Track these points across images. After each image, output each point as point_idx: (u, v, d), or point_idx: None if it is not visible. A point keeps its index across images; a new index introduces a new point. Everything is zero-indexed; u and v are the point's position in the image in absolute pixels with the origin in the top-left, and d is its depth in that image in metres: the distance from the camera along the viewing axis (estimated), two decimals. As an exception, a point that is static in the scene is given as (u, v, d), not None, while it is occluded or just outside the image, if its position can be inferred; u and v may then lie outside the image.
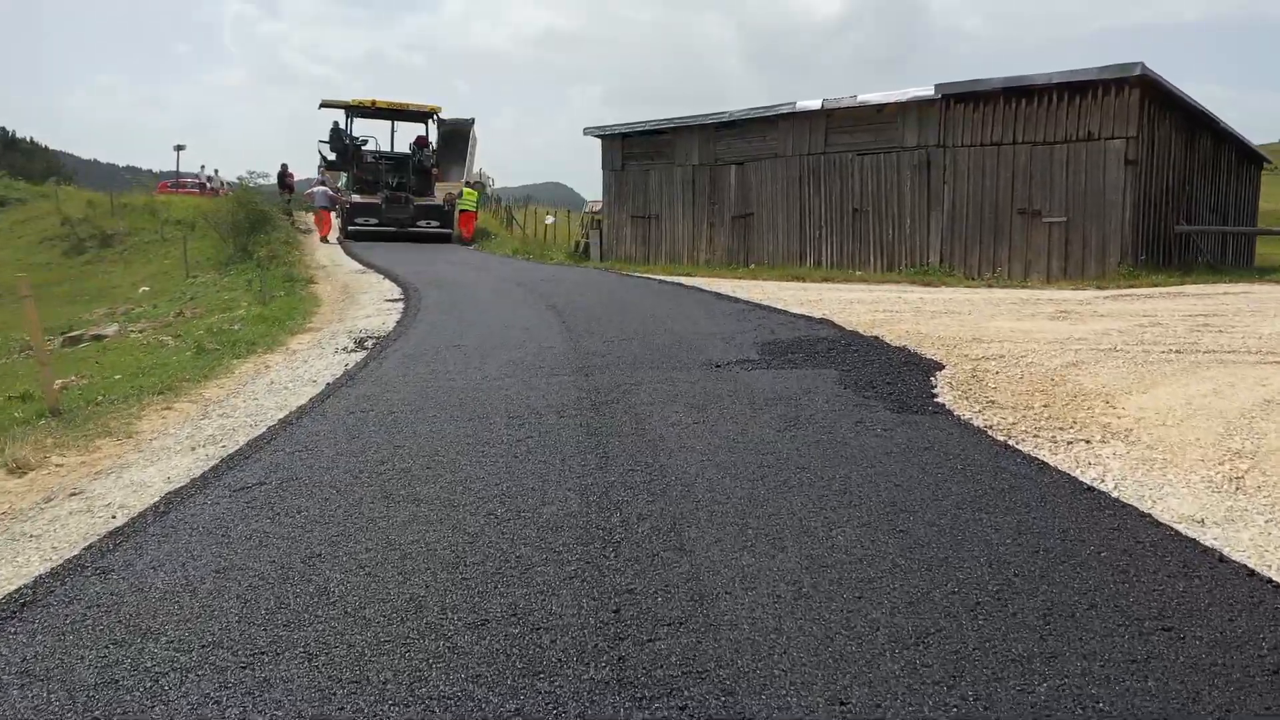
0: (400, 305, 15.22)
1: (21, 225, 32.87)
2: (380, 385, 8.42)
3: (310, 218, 32.00)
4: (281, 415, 7.53)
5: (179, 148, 42.70)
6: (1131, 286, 16.52)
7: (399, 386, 8.33)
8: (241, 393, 8.89)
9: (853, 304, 14.48)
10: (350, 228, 30.88)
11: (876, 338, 10.20)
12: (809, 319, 12.06)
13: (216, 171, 32.79)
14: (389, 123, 34.55)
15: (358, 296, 17.49)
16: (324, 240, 30.84)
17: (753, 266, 22.72)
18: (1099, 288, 16.67)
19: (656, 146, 25.15)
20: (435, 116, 33.33)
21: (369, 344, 11.32)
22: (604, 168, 26.46)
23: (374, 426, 6.94)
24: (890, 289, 17.56)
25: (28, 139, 75.21)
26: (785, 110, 21.97)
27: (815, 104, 21.53)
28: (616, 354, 9.51)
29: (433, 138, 33.48)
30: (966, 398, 7.25)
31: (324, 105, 32.72)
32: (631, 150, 25.73)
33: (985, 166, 19.16)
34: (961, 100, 19.37)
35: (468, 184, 34.90)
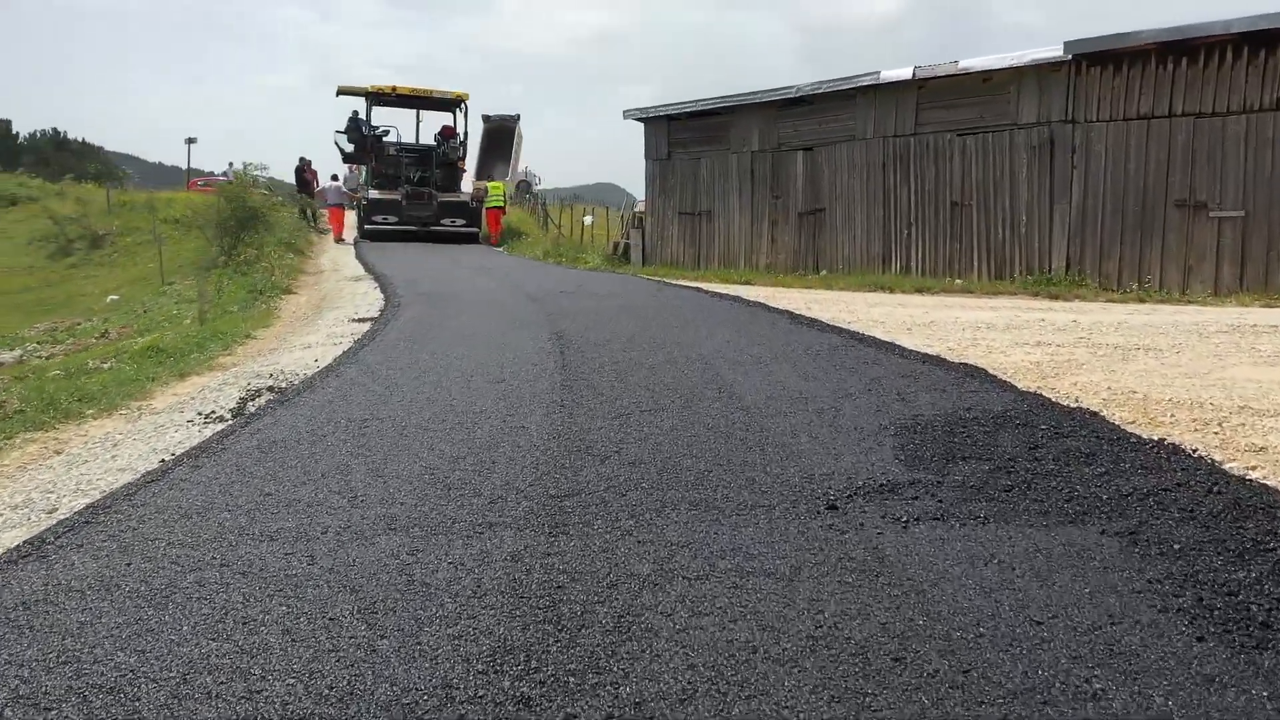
0: (364, 328, 10.98)
1: (18, 225, 29.38)
2: (139, 538, 4.05)
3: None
4: None
5: (190, 141, 39.42)
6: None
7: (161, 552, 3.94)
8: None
9: (983, 331, 9.90)
10: (367, 226, 26.83)
11: (1091, 412, 5.66)
12: (942, 364, 7.54)
13: (257, 169, 28.61)
14: (414, 113, 30.42)
15: (325, 314, 13.27)
16: (338, 240, 26.83)
17: (824, 273, 18.15)
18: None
19: (709, 130, 20.64)
20: (463, 105, 29.11)
21: (258, 400, 7.05)
22: (646, 157, 22.01)
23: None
24: (1014, 305, 12.90)
25: (79, 140, 72.74)
26: (866, 82, 17.36)
27: (904, 73, 16.89)
28: (631, 453, 5.05)
29: (460, 128, 29.33)
30: None
31: (341, 93, 28.66)
32: (679, 135, 21.26)
33: (1130, 146, 14.40)
34: (1098, 62, 14.63)
35: (492, 178, 30.68)
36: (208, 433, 6.17)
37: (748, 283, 17.43)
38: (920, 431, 5.26)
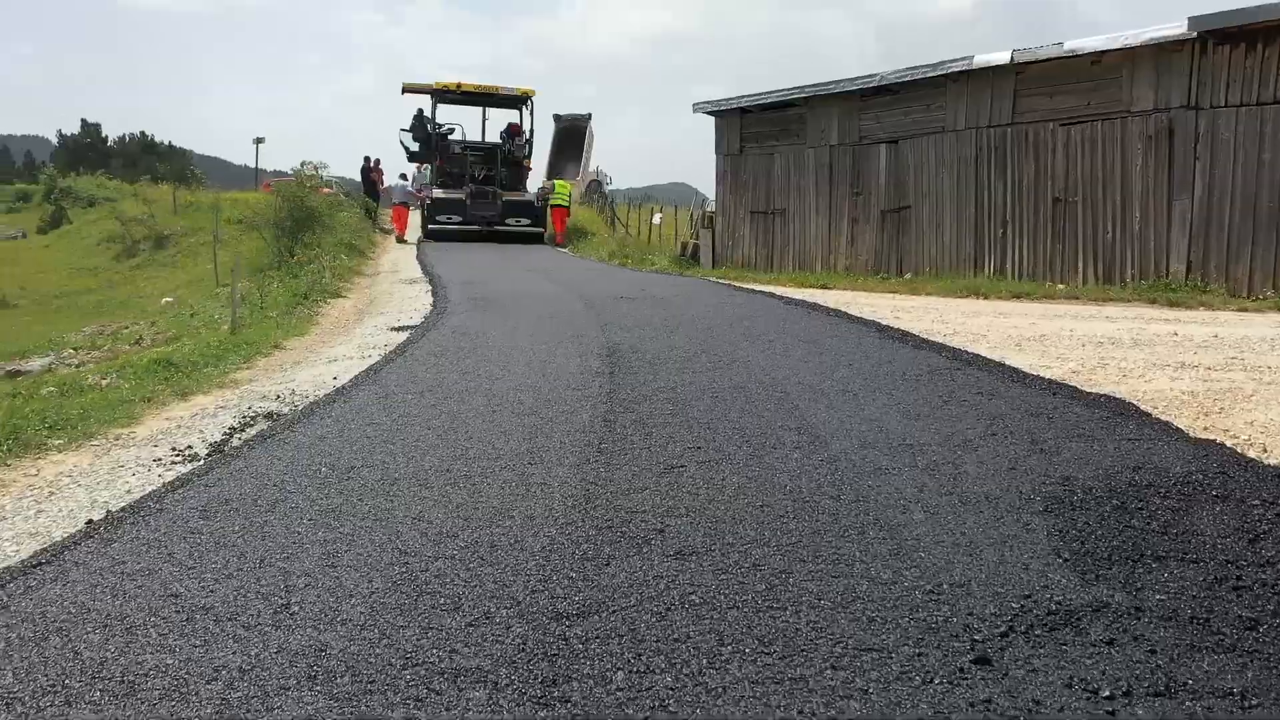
0: (402, 338, 9.79)
1: (91, 225, 29.10)
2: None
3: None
4: None
5: (258, 141, 39.07)
6: None
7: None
8: None
9: (1108, 348, 8.31)
10: (431, 226, 25.83)
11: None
12: (1076, 395, 6.01)
13: (316, 168, 27.95)
14: (479, 111, 29.36)
15: (366, 321, 12.14)
16: (401, 240, 25.91)
17: (908, 276, 16.51)
18: None
19: (784, 123, 19.10)
20: (529, 101, 27.93)
21: (249, 431, 5.85)
22: (717, 152, 20.54)
23: None
24: (1133, 315, 11.17)
25: (165, 143, 73.77)
26: (958, 68, 15.68)
27: (1000, 57, 15.18)
28: (679, 535, 3.64)
29: (526, 125, 28.13)
30: None
31: (407, 90, 27.73)
32: (752, 129, 19.75)
33: (1265, 135, 12.53)
34: (1229, 39, 12.77)
35: (562, 178, 29.48)
36: (169, 476, 4.97)
37: (824, 286, 15.90)
38: (1079, 506, 3.78)
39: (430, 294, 14.28)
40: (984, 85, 15.53)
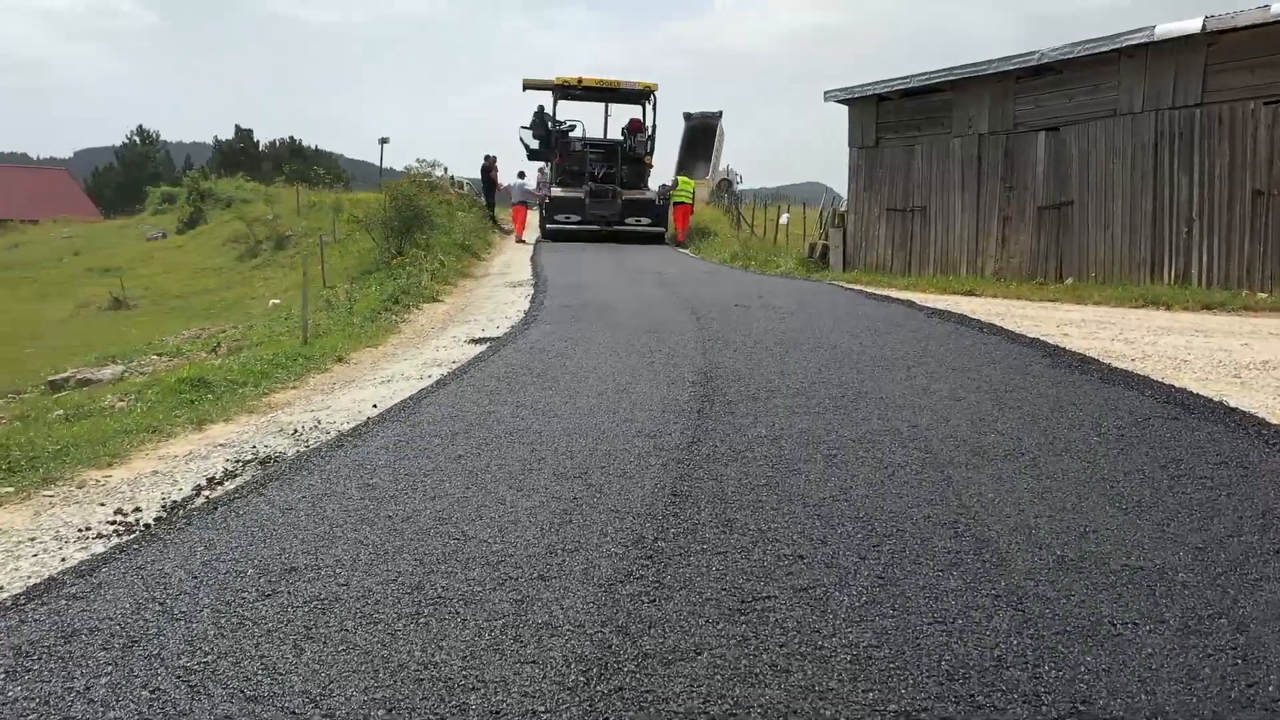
0: (476, 352, 8.39)
1: (222, 226, 29.11)
2: None
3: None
4: None
5: (383, 141, 38.83)
6: None
7: None
8: None
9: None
10: (549, 226, 24.62)
11: None
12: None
13: (446, 169, 27.31)
14: (602, 107, 27.96)
15: (448, 330, 10.82)
16: (519, 241, 24.79)
17: (1069, 281, 14.20)
18: None
19: (926, 111, 16.94)
20: (652, 96, 26.34)
21: (232, 482, 4.46)
22: (850, 145, 18.51)
23: None
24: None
25: (313, 147, 75.72)
26: (1136, 40, 13.30)
27: (1189, 26, 12.75)
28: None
29: (649, 121, 26.57)
30: None
31: (528, 87, 26.56)
32: (890, 118, 17.65)
33: None
34: None
35: (692, 177, 27.84)
36: (76, 559, 3.59)
37: (971, 293, 13.80)
38: None
39: (529, 299, 12.91)
40: (1166, 60, 13.11)
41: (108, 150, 74.52)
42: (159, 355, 12.45)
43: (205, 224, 31.40)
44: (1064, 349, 7.52)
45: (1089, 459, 4.29)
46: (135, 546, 3.55)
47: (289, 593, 3.01)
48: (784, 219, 24.06)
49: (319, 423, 6.04)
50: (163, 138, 74.17)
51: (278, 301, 18.29)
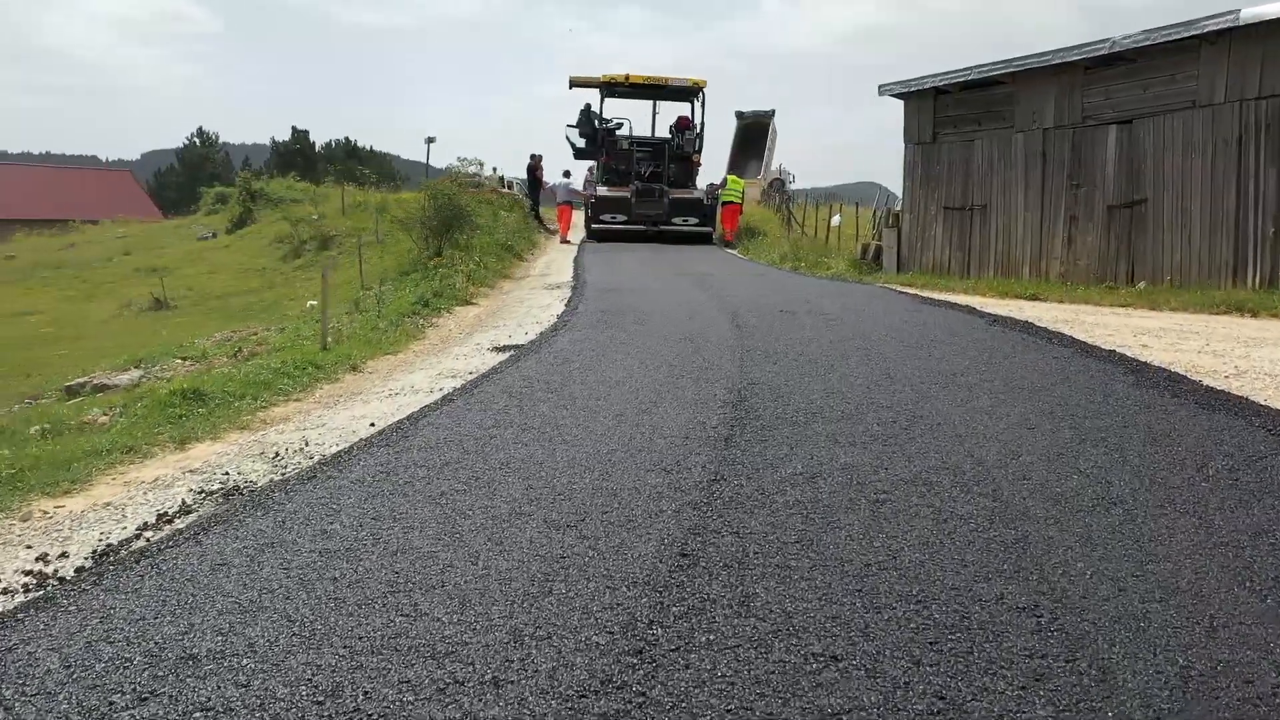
0: (497, 360, 7.72)
1: (269, 226, 28.87)
2: None
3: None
4: None
5: (429, 140, 38.63)
6: None
7: None
8: None
9: None
10: (594, 226, 23.95)
11: None
12: None
13: (495, 169, 26.86)
14: (650, 104, 27.21)
15: (473, 336, 10.18)
16: (564, 241, 24.15)
17: (1141, 285, 13.13)
18: None
19: (987, 104, 15.93)
20: (700, 94, 25.54)
21: (182, 520, 3.81)
22: (906, 140, 17.54)
23: None
24: None
25: (368, 148, 76.08)
26: (1219, 25, 12.21)
27: (1278, 9, 11.66)
28: None
29: (697, 119, 25.77)
30: None
31: (574, 84, 25.94)
32: (948, 112, 16.66)
33: None
34: None
35: (743, 176, 27.02)
36: None
37: (1035, 297, 12.83)
38: None
39: (564, 302, 12.23)
40: (1253, 46, 12.00)
41: (172, 153, 75.66)
42: (184, 359, 11.98)
43: (254, 224, 31.26)
44: (1149, 365, 6.62)
45: (1200, 514, 3.46)
46: (20, 617, 2.90)
47: (171, 697, 2.32)
48: (836, 219, 23.09)
49: (306, 444, 5.40)
50: (222, 139, 75.00)
51: (314, 303, 17.84)
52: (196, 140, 69.56)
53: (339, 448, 5.17)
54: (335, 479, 4.32)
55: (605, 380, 6.47)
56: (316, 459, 4.97)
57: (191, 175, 64.18)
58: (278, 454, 5.21)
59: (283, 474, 4.75)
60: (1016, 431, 4.76)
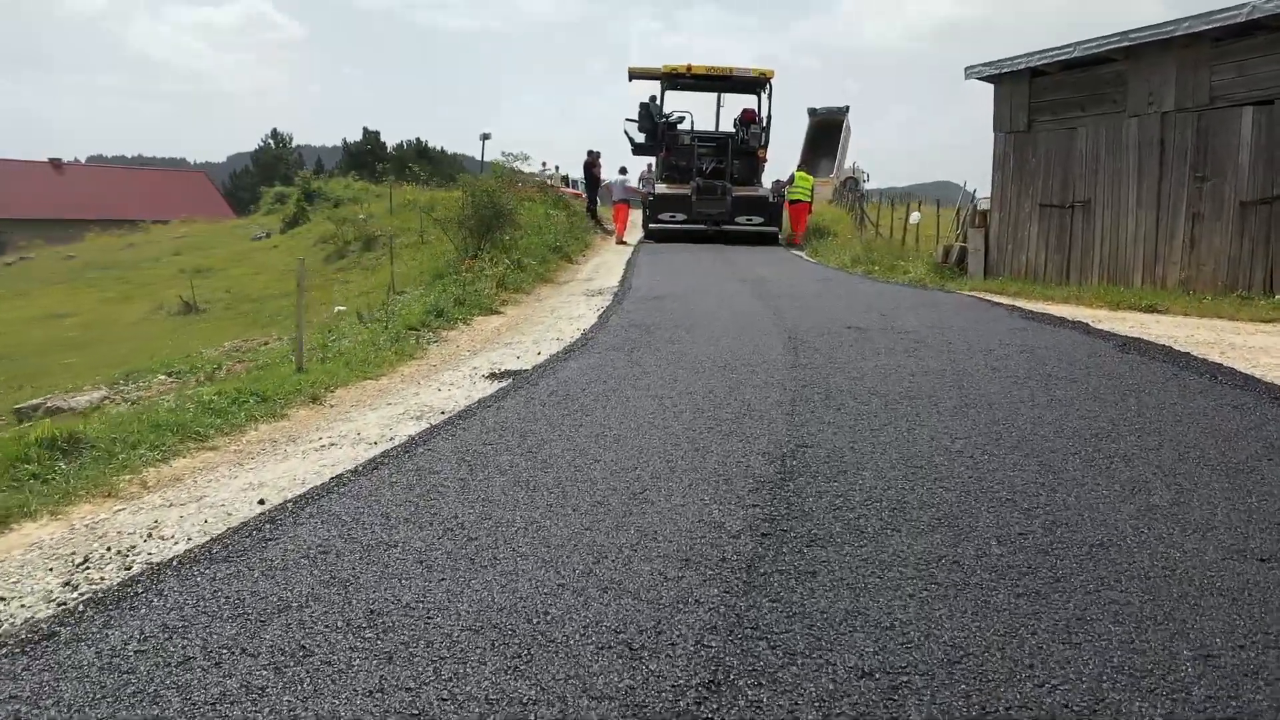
0: (489, 391, 5.96)
1: (316, 226, 27.76)
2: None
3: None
4: None
5: (484, 137, 37.17)
6: None
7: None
8: None
9: None
10: (652, 225, 22.15)
11: None
12: None
13: (557, 168, 25.37)
14: (714, 98, 25.24)
15: (478, 356, 8.42)
16: (620, 242, 22.40)
17: (1284, 296, 10.82)
18: None
19: (1093, 86, 13.67)
20: (768, 85, 23.50)
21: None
22: (996, 129, 15.34)
23: None
24: None
25: (438, 148, 75.54)
26: (1392, -20, 9.90)
27: None
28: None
29: (764, 112, 23.72)
30: None
31: (634, 76, 24.14)
32: (1045, 97, 14.44)
33: None
34: None
35: (815, 174, 24.95)
36: None
37: (1153, 309, 10.64)
38: None
39: (599, 313, 10.47)
40: None
41: (250, 155, 76.05)
42: (168, 374, 10.51)
43: (305, 224, 30.23)
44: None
45: None
46: None
47: None
48: (914, 217, 20.85)
49: (149, 535, 3.70)
50: (297, 141, 75.17)
51: (343, 308, 16.37)
52: (271, 142, 69.69)
53: (180, 549, 3.44)
54: (109, 631, 2.58)
55: (603, 434, 4.65)
56: (136, 569, 3.26)
57: (264, 176, 64.14)
58: (97, 558, 3.51)
59: (71, 598, 3.05)
60: (1236, 566, 2.81)
